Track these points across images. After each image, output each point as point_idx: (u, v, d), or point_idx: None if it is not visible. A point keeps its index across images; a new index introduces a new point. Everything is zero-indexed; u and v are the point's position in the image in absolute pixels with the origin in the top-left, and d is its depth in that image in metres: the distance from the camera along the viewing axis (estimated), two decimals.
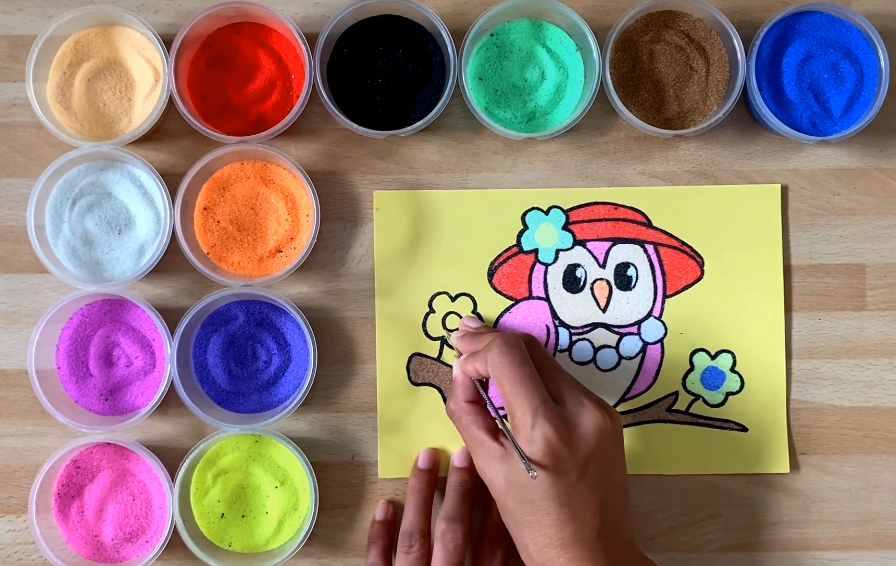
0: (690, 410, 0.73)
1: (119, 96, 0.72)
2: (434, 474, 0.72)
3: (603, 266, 0.73)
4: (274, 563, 0.69)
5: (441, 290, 0.73)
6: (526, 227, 0.73)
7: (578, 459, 0.62)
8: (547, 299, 0.73)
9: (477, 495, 0.71)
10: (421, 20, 0.72)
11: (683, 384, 0.73)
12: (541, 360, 0.66)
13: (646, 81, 0.72)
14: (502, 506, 0.64)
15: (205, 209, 0.72)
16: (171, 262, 0.72)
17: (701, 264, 0.73)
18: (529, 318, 0.73)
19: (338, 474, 0.73)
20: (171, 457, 0.71)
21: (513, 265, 0.73)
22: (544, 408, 0.62)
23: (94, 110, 0.72)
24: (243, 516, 0.71)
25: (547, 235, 0.73)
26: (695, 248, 0.73)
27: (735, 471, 0.73)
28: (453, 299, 0.73)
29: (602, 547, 0.62)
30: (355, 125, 0.70)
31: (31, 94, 0.70)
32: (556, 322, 0.73)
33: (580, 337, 0.73)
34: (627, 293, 0.73)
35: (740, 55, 0.70)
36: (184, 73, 0.72)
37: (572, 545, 0.61)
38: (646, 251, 0.73)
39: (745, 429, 0.73)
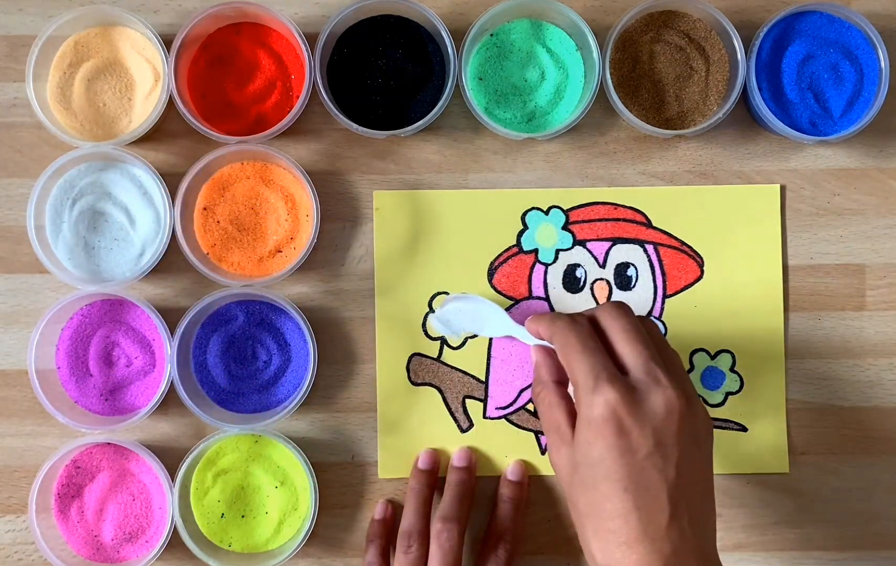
0: None
1: (119, 96, 0.72)
2: (434, 475, 0.72)
3: (603, 266, 0.73)
4: (274, 563, 0.70)
5: (441, 290, 0.73)
6: (526, 227, 0.73)
7: (645, 433, 0.55)
8: (547, 299, 0.73)
9: (477, 495, 0.71)
10: (421, 20, 0.72)
11: None
12: (625, 328, 0.60)
13: (646, 81, 0.72)
14: (569, 499, 0.59)
15: (205, 209, 0.72)
16: (171, 262, 0.72)
17: (701, 264, 0.73)
18: None
19: (338, 474, 0.73)
20: (171, 457, 0.71)
21: (513, 265, 0.73)
22: (607, 372, 0.57)
23: (94, 110, 0.72)
24: (243, 516, 0.71)
25: (547, 235, 0.73)
26: (695, 248, 0.73)
27: (735, 471, 0.73)
28: None
29: (672, 550, 0.54)
30: (355, 125, 0.70)
31: (31, 94, 0.70)
32: None
33: None
34: (627, 293, 0.73)
35: (740, 55, 0.70)
36: (184, 73, 0.72)
37: (638, 543, 0.54)
38: (646, 251, 0.73)
39: (744, 429, 0.73)
